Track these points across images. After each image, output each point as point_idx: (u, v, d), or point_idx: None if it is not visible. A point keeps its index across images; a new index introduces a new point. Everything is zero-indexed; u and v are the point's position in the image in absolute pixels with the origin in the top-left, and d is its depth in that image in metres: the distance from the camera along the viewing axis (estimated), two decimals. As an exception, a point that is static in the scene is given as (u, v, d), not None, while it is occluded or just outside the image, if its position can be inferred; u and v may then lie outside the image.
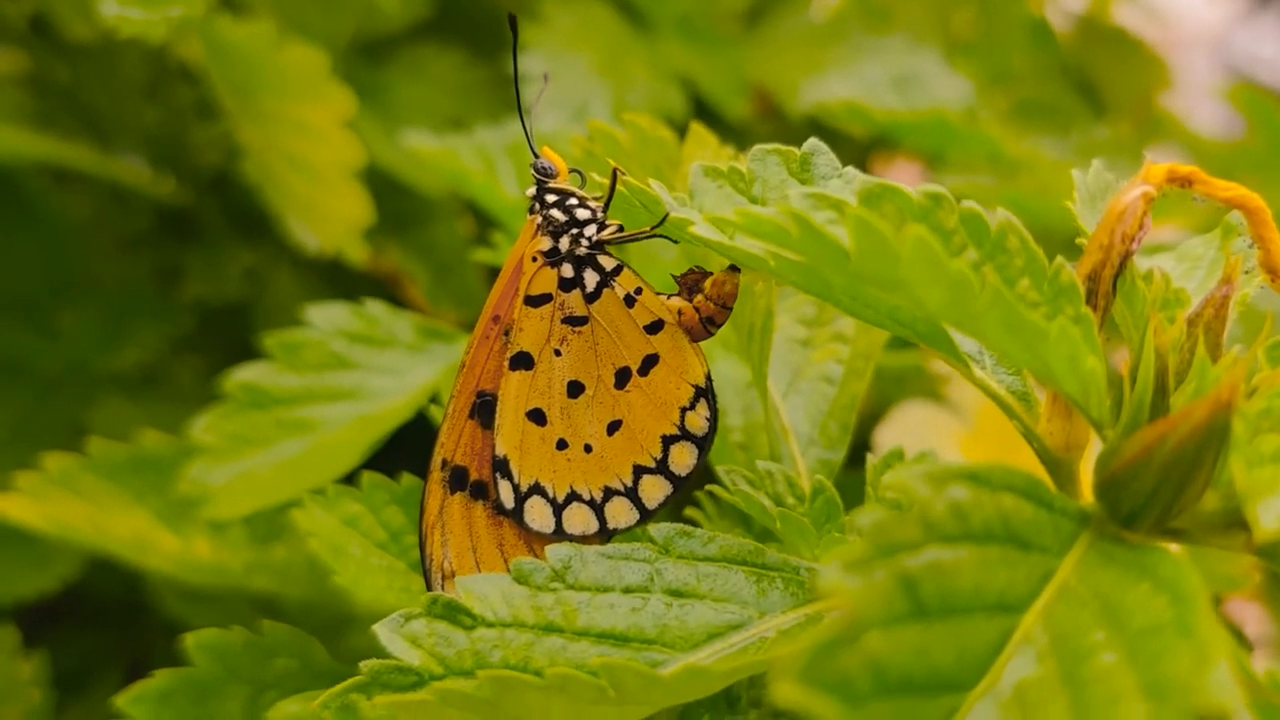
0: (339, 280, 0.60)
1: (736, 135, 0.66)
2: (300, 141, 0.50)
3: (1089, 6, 0.85)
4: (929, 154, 0.67)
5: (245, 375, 0.43)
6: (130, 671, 0.56)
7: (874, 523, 0.23)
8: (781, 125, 0.66)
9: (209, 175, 0.62)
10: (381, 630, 0.29)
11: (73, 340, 0.59)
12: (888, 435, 0.54)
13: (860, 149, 0.70)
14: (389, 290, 0.60)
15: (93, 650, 0.56)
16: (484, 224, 0.57)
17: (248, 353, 0.48)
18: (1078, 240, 0.30)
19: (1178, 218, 0.59)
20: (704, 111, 0.62)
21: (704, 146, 0.38)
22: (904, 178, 0.84)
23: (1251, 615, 0.60)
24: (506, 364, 0.32)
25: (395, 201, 0.58)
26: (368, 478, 0.38)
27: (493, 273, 0.53)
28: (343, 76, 0.52)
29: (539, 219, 0.32)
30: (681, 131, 0.41)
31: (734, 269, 0.32)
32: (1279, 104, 0.66)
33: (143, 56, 0.58)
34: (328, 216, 0.51)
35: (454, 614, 0.29)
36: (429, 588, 0.33)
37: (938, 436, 0.54)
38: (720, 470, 0.35)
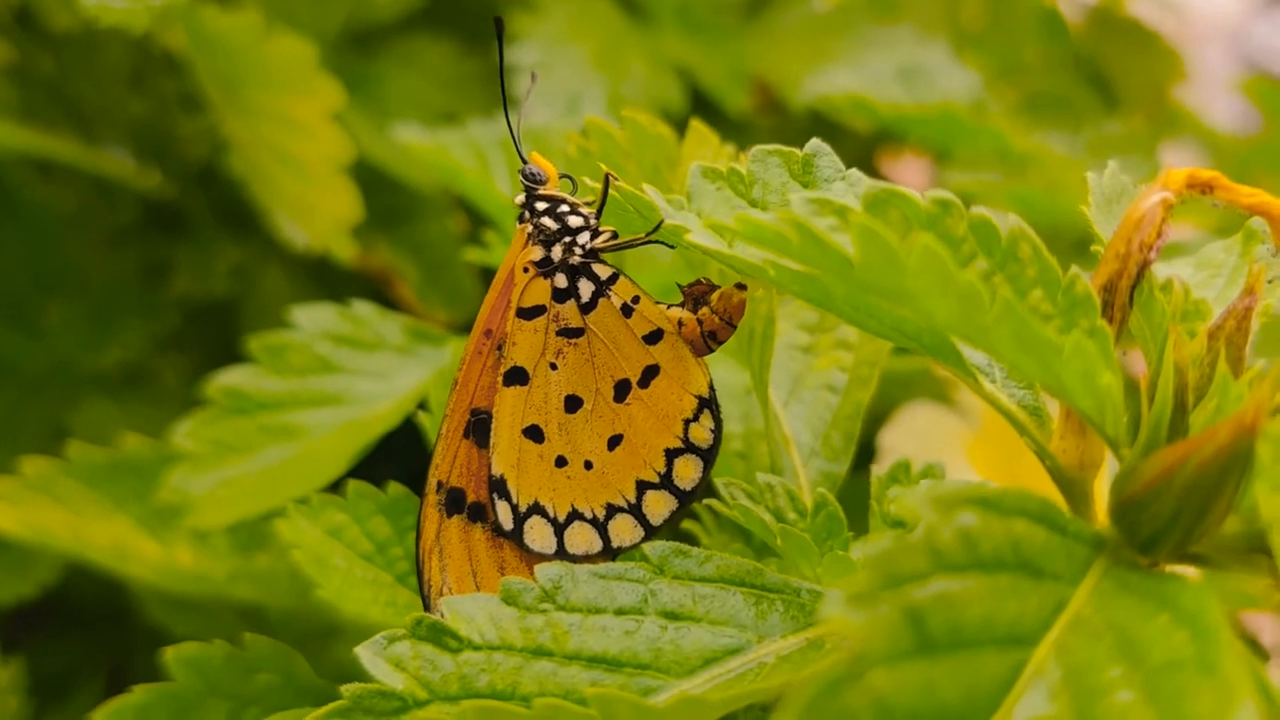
0: (328, 278, 0.59)
1: (736, 129, 0.64)
2: (287, 136, 0.49)
3: (1103, -4, 0.83)
4: (936, 149, 0.65)
5: (228, 379, 0.42)
6: (111, 678, 0.55)
7: (880, 552, 0.22)
8: (783, 119, 0.65)
9: (195, 169, 0.60)
10: (364, 653, 0.28)
11: (57, 338, 0.58)
12: (892, 438, 0.53)
13: (865, 144, 0.69)
14: (379, 288, 0.59)
15: (73, 656, 0.55)
16: (476, 221, 0.55)
17: (233, 353, 0.46)
18: (1093, 248, 0.29)
19: (1193, 218, 0.57)
20: (703, 104, 0.60)
21: (704, 145, 0.37)
22: (911, 175, 0.83)
23: (1266, 624, 0.59)
24: (500, 380, 0.31)
25: (385, 197, 0.57)
26: (353, 486, 0.37)
27: (485, 272, 0.52)
28: (332, 68, 0.51)
29: (529, 228, 0.31)
30: (680, 126, 0.39)
31: (743, 285, 0.30)
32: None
33: (126, 46, 0.56)
34: (316, 213, 0.50)
35: (439, 636, 0.28)
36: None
37: (943, 439, 0.53)
38: (719, 483, 0.34)
